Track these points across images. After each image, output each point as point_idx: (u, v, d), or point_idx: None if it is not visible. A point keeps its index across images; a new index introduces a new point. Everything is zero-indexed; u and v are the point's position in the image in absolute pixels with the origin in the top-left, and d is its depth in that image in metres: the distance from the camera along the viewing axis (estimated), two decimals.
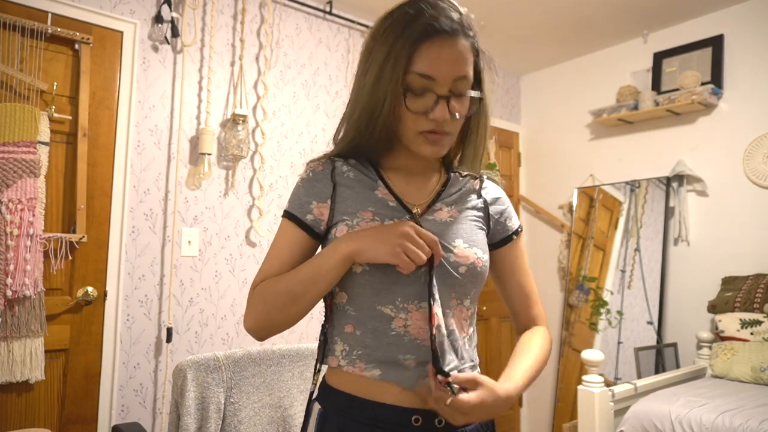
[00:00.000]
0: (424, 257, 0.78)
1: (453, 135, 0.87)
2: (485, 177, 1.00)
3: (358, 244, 0.79)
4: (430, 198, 0.92)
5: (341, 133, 0.93)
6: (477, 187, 0.97)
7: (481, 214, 0.95)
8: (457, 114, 0.83)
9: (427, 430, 0.81)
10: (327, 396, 0.87)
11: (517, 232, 0.99)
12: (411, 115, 0.83)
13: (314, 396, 0.91)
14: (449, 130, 0.85)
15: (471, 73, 0.84)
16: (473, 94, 0.85)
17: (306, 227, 0.89)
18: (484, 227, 0.94)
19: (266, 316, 0.85)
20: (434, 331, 0.79)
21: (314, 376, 0.92)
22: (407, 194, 0.91)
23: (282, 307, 0.83)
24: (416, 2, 0.82)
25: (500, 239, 0.97)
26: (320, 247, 0.92)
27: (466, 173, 0.98)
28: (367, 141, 0.88)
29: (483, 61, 0.89)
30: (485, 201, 0.97)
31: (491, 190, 0.99)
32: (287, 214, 0.91)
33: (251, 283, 0.90)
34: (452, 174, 0.97)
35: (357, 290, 0.85)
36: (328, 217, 0.89)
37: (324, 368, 0.91)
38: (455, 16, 0.82)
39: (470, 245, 0.88)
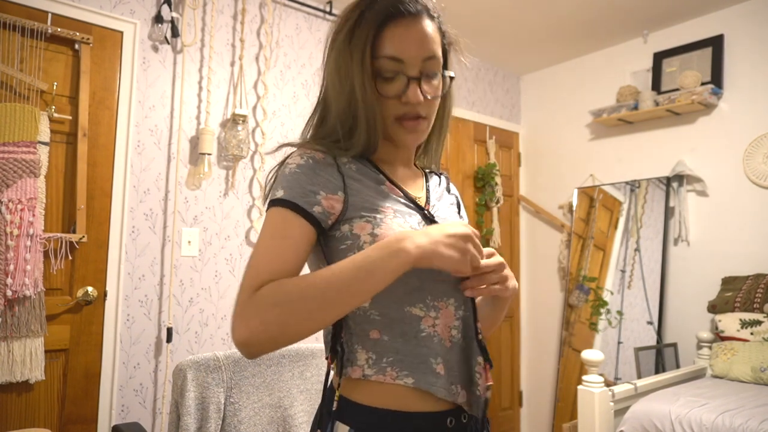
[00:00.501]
0: (473, 258, 0.76)
1: (429, 119, 0.86)
2: (445, 173, 1.05)
3: (428, 249, 0.72)
4: (424, 193, 0.93)
5: (323, 125, 0.87)
6: (446, 183, 1.02)
7: (456, 209, 1.00)
8: (429, 95, 0.83)
9: (458, 430, 0.82)
10: (355, 414, 0.78)
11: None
12: (385, 100, 0.82)
13: (334, 411, 0.80)
14: (424, 113, 0.84)
15: (440, 53, 0.84)
16: (446, 74, 0.86)
17: (313, 220, 0.77)
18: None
19: (280, 325, 0.68)
20: (480, 328, 0.84)
21: (326, 389, 0.85)
22: (406, 188, 0.90)
23: (306, 313, 0.69)
24: None
25: None
26: (319, 245, 0.83)
27: (428, 169, 1.01)
28: (373, 136, 0.84)
29: (448, 42, 0.88)
30: (456, 197, 1.03)
31: (452, 186, 1.05)
32: (287, 203, 0.76)
33: (243, 286, 0.73)
34: (426, 172, 1.00)
35: (386, 293, 0.76)
36: (340, 212, 0.79)
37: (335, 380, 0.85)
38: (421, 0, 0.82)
39: None
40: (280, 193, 0.78)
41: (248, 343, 0.69)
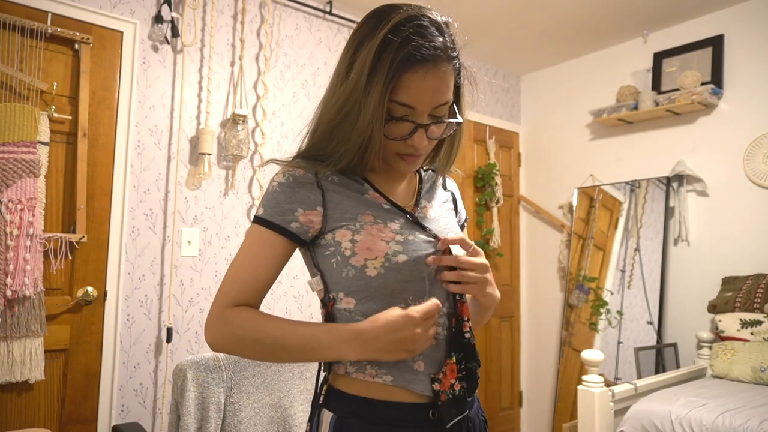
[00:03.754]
0: (434, 334, 0.80)
1: (427, 153, 0.88)
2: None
3: (368, 356, 0.78)
4: (414, 197, 0.95)
5: (316, 140, 0.88)
6: (442, 180, 1.03)
7: (452, 206, 1.02)
8: (434, 137, 0.85)
9: (442, 423, 0.82)
10: (339, 402, 0.84)
11: (466, 220, 1.07)
12: (388, 139, 0.83)
13: (321, 402, 0.87)
14: (425, 151, 0.87)
15: (451, 95, 0.83)
16: (454, 120, 0.86)
17: (290, 235, 0.84)
18: (456, 218, 1.01)
19: (236, 350, 0.83)
20: (465, 328, 0.86)
21: (318, 384, 0.90)
22: (394, 195, 0.92)
23: (256, 353, 0.82)
24: (399, 27, 0.78)
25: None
26: (308, 252, 0.88)
27: (426, 167, 1.02)
28: (364, 160, 0.85)
29: (464, 77, 0.88)
30: (452, 194, 1.04)
31: (450, 182, 1.05)
32: (264, 222, 0.84)
33: (217, 297, 0.84)
34: (421, 170, 1.01)
35: (369, 293, 0.83)
36: (321, 224, 0.85)
37: (324, 375, 0.90)
38: (439, 41, 0.79)
39: None
40: (260, 211, 0.86)
41: (213, 348, 0.84)
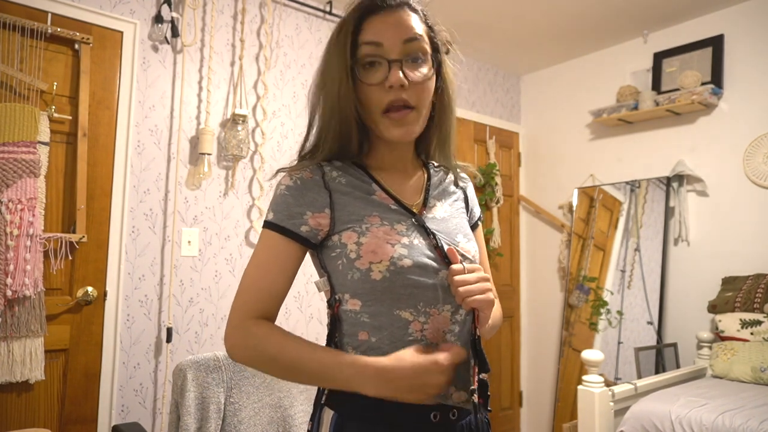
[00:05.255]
0: (450, 381, 0.78)
1: (418, 110, 0.85)
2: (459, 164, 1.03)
3: (388, 394, 0.76)
4: (422, 196, 0.93)
5: (314, 138, 0.90)
6: (454, 178, 1.01)
7: (463, 204, 1.00)
8: (412, 78, 0.83)
9: (444, 425, 0.82)
10: (341, 401, 0.83)
11: (480, 219, 1.05)
12: (370, 91, 0.83)
13: (323, 401, 0.86)
14: (412, 102, 0.83)
15: (424, 38, 0.85)
16: (437, 56, 0.87)
17: (301, 239, 0.84)
18: (467, 216, 0.99)
19: (254, 365, 0.83)
20: (478, 333, 0.86)
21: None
22: (401, 195, 0.91)
23: (274, 371, 0.83)
24: (353, 2, 0.86)
25: (470, 225, 1.01)
26: (316, 253, 0.88)
27: (438, 164, 1.00)
28: (346, 140, 0.87)
29: (438, 35, 0.89)
30: (464, 191, 1.02)
31: (463, 179, 1.03)
32: (275, 227, 0.84)
33: (236, 305, 0.84)
34: (430, 168, 0.99)
35: (375, 296, 0.82)
36: (329, 226, 0.85)
37: None
38: None
39: (468, 239, 0.92)
40: (270, 216, 0.85)
41: (231, 356, 0.84)
